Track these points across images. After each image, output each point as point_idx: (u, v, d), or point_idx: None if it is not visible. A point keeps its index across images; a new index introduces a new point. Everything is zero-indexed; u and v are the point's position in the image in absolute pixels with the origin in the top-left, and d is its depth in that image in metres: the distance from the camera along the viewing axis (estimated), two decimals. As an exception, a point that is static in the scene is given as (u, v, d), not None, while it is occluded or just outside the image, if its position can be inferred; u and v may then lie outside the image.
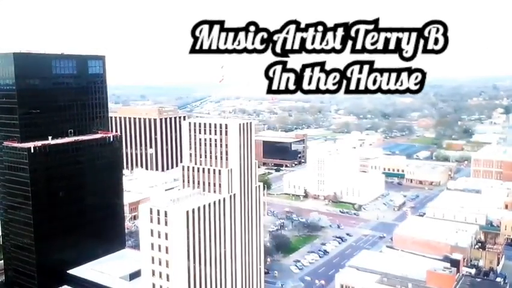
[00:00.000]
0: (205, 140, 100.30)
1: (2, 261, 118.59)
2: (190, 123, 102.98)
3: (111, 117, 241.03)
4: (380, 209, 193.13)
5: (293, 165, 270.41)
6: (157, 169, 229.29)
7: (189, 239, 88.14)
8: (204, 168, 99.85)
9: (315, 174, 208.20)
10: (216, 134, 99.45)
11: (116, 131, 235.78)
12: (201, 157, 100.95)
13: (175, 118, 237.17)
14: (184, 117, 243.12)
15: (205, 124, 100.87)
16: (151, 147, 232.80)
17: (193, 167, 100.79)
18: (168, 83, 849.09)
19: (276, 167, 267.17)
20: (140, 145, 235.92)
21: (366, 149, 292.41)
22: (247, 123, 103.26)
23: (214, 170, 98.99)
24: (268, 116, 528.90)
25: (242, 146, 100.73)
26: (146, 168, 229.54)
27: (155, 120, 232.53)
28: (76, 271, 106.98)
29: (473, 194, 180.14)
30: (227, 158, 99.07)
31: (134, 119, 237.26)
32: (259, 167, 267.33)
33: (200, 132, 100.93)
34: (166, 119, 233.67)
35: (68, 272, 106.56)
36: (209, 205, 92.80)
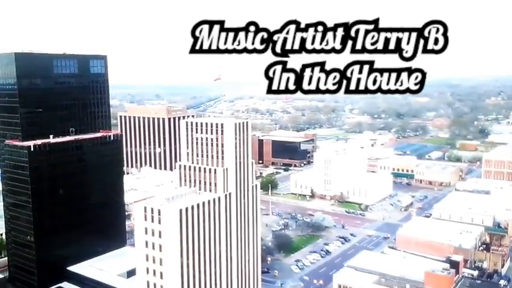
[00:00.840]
0: (202, 139, 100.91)
1: (7, 257, 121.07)
2: (187, 122, 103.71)
3: (121, 116, 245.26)
4: (386, 209, 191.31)
5: (302, 165, 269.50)
6: (165, 168, 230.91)
7: (182, 237, 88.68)
8: (200, 167, 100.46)
9: (321, 174, 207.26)
10: (212, 133, 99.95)
11: (126, 130, 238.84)
12: (197, 156, 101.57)
13: (183, 117, 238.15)
14: (193, 116, 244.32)
15: (201, 123, 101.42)
16: (159, 146, 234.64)
17: (190, 166, 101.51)
18: (183, 83, 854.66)
19: (284, 167, 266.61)
20: (149, 144, 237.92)
21: (377, 149, 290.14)
22: (243, 122, 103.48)
23: (210, 169, 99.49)
24: (281, 115, 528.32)
25: (238, 145, 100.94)
26: (155, 167, 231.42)
27: (163, 119, 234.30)
28: (75, 268, 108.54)
29: (481, 195, 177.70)
30: (223, 157, 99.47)
31: (144, 118, 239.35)
32: (267, 167, 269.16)
33: (197, 132, 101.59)
34: (174, 118, 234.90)
35: (67, 268, 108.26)
36: (203, 204, 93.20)
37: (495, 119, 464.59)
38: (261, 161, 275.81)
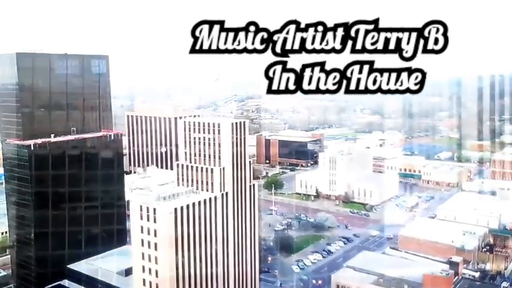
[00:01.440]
0: (199, 138, 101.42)
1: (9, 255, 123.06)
2: (185, 122, 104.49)
3: (128, 116, 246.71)
4: (391, 210, 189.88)
5: (308, 165, 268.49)
6: (171, 168, 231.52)
7: (177, 236, 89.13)
8: (197, 167, 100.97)
9: (326, 174, 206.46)
10: (209, 132, 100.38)
11: (133, 130, 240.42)
12: (195, 156, 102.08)
13: (189, 117, 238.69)
14: (199, 115, 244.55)
15: (198, 123, 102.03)
16: (165, 145, 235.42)
17: (188, 166, 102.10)
18: (195, 83, 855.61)
19: (291, 167, 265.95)
20: (156, 144, 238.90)
21: (385, 149, 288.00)
22: (240, 122, 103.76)
23: (207, 168, 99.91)
24: (291, 115, 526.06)
25: (235, 144, 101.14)
26: (161, 167, 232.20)
27: (170, 119, 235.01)
28: (75, 266, 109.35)
29: (488, 196, 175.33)
30: (220, 157, 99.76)
31: (150, 117, 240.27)
32: (274, 167, 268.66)
33: (194, 131, 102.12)
34: (181, 117, 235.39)
35: (68, 266, 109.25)
36: (199, 203, 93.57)
37: (509, 119, 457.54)
38: (267, 161, 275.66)
